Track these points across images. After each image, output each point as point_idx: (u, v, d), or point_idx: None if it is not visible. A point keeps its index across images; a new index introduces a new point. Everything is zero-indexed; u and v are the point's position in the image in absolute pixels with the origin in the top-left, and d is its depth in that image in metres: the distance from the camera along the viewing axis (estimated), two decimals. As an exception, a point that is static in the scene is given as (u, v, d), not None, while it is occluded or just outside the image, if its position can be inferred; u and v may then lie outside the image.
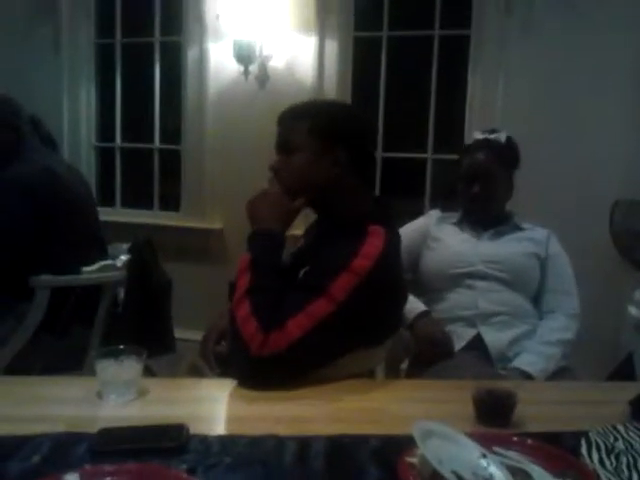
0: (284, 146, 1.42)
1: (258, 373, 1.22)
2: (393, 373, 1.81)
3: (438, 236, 2.03)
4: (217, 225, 3.72)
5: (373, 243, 1.31)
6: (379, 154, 3.51)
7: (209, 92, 3.69)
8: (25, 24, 3.94)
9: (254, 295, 1.27)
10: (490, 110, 3.18)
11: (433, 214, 2.16)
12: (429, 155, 3.58)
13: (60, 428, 1.02)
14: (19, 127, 2.27)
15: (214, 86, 3.68)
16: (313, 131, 1.38)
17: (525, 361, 1.78)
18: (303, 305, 1.24)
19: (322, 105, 1.54)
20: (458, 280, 1.93)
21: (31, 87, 3.65)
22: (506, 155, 2.01)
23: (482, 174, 1.97)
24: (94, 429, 1.00)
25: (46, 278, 2.04)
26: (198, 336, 1.63)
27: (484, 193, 1.97)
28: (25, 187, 2.11)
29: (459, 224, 2.07)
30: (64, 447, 0.96)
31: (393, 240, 1.39)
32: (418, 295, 1.98)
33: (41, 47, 3.95)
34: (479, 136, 2.04)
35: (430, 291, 2.00)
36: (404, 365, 1.99)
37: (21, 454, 0.94)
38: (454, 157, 2.20)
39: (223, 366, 1.46)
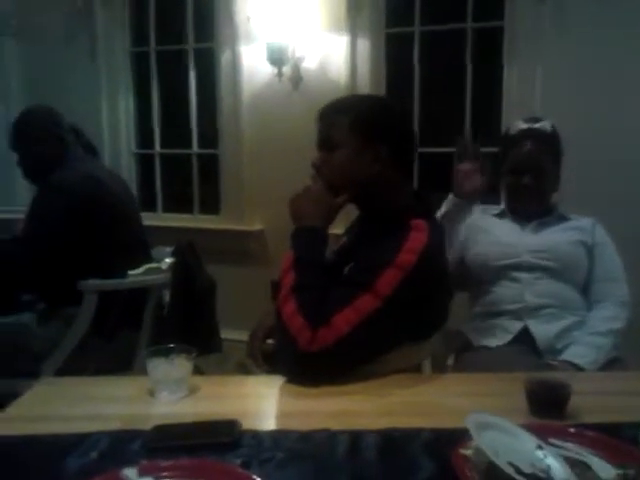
0: (325, 142, 1.42)
1: (306, 369, 1.22)
2: (439, 368, 1.79)
3: (481, 228, 2.00)
4: (257, 226, 3.75)
5: (417, 237, 1.30)
6: (415, 149, 3.48)
7: (244, 95, 3.72)
8: (61, 37, 4.03)
9: (300, 292, 1.28)
10: (528, 100, 3.12)
11: (477, 206, 2.12)
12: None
13: (115, 426, 1.04)
14: (62, 137, 2.33)
15: (248, 89, 3.71)
16: (354, 126, 1.37)
17: (575, 353, 1.73)
18: (349, 301, 1.24)
19: (362, 100, 1.54)
20: (504, 272, 1.89)
21: (70, 98, 3.72)
22: (553, 144, 1.95)
23: (531, 165, 1.90)
24: (148, 426, 1.02)
25: (94, 282, 2.08)
26: (243, 336, 1.64)
27: (533, 185, 1.91)
28: (70, 194, 2.16)
29: (502, 216, 2.03)
30: (120, 444, 0.98)
31: (436, 233, 1.38)
32: (463, 289, 1.95)
33: (77, 59, 4.04)
34: (523, 126, 1.97)
35: (475, 285, 1.97)
36: (450, 361, 1.97)
37: (79, 451, 0.96)
38: (492, 150, 2.15)
39: (270, 364, 1.47)
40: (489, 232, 1.98)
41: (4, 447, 1.00)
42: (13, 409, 1.16)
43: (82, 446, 0.97)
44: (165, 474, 0.86)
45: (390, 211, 1.39)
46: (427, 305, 1.32)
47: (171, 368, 1.16)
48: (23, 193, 3.89)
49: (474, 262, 1.96)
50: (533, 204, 1.96)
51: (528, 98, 3.13)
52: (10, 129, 2.34)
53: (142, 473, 0.81)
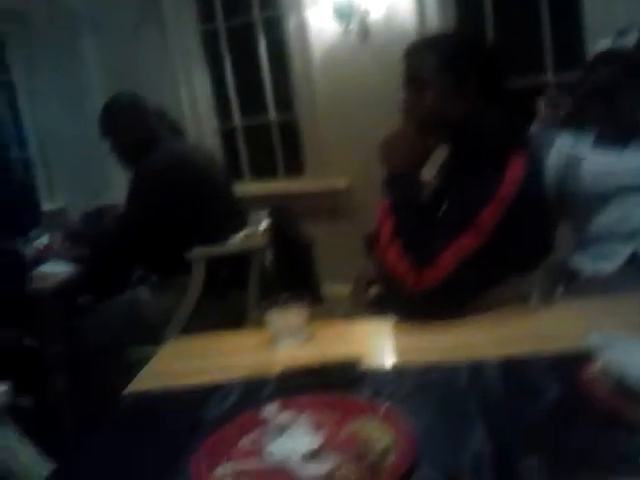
0: (413, 82, 1.39)
1: (416, 310, 1.25)
2: (546, 301, 1.76)
3: (578, 156, 1.93)
4: (342, 184, 3.78)
5: (516, 168, 1.28)
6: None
7: (314, 57, 3.73)
8: (132, 25, 4.16)
9: (401, 236, 1.29)
10: (610, 16, 2.92)
11: (564, 136, 2.04)
12: (549, 78, 3.38)
13: (245, 374, 1.11)
14: (148, 120, 2.42)
15: (318, 50, 3.71)
16: (443, 63, 1.35)
17: None
18: (452, 240, 1.24)
19: (449, 36, 1.50)
20: (607, 197, 1.82)
21: (148, 83, 3.84)
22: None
23: (614, 89, 1.81)
24: (275, 372, 1.08)
25: (199, 251, 2.20)
26: (343, 292, 1.68)
27: (625, 105, 1.82)
28: (165, 173, 2.27)
29: (598, 140, 1.94)
30: (252, 390, 1.05)
31: (535, 162, 1.35)
32: (565, 220, 1.90)
33: (150, 44, 4.15)
34: (603, 46, 1.88)
35: (577, 214, 1.91)
36: (557, 294, 1.93)
37: (216, 399, 1.04)
38: (577, 76, 2.05)
39: (376, 310, 1.50)
40: (586, 160, 1.91)
41: (146, 401, 1.10)
42: (149, 368, 1.26)
43: (218, 395, 1.05)
44: (301, 410, 0.91)
45: (485, 146, 1.37)
46: (531, 236, 1.31)
47: (288, 317, 1.22)
48: (120, 180, 4.10)
49: (575, 190, 1.89)
50: (629, 126, 1.86)
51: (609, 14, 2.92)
52: (99, 118, 2.46)
53: (280, 411, 0.86)
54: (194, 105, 4.20)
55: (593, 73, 1.87)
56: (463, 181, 1.36)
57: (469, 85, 1.35)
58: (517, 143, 1.36)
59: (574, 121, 1.82)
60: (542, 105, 1.75)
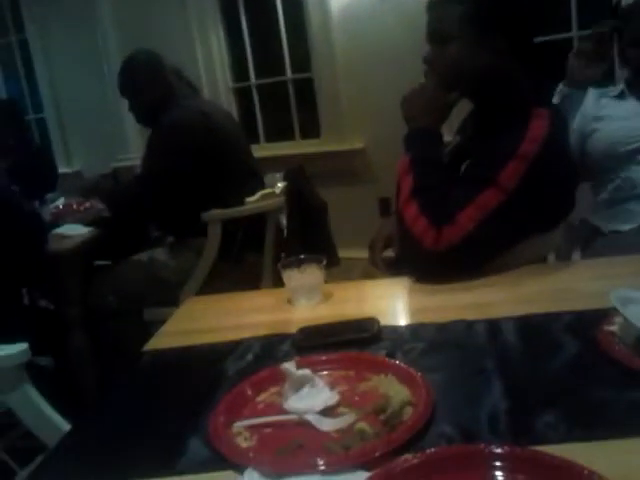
0: (436, 35, 1.35)
1: (434, 269, 1.23)
2: (566, 259, 1.75)
3: (600, 114, 1.88)
4: (358, 145, 3.74)
5: (539, 125, 1.25)
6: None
7: (332, 13, 3.65)
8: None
9: (421, 193, 1.28)
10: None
11: (590, 92, 1.99)
12: (574, 33, 3.28)
13: (262, 332, 1.12)
14: (166, 77, 2.41)
15: (336, 6, 3.63)
16: (467, 16, 1.30)
17: None
18: (473, 197, 1.22)
19: None
20: (630, 157, 1.78)
21: (164, 42, 3.81)
22: None
23: None
24: (293, 330, 1.08)
25: (216, 212, 2.20)
26: (358, 253, 1.67)
27: None
28: (184, 130, 2.26)
29: (622, 96, 1.89)
30: (271, 346, 1.06)
31: (558, 120, 1.31)
32: (584, 179, 1.87)
33: (165, 3, 4.11)
34: None
35: (599, 173, 1.88)
36: (576, 254, 1.92)
37: (235, 355, 1.04)
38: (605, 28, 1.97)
39: (393, 270, 1.50)
40: (610, 117, 1.86)
41: (167, 358, 1.11)
42: (168, 326, 1.27)
43: (237, 351, 1.05)
44: (319, 367, 0.92)
45: (508, 103, 1.33)
46: (553, 194, 1.28)
47: (304, 276, 1.22)
48: (135, 142, 4.10)
49: (597, 149, 1.86)
50: None
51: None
52: (117, 77, 2.45)
53: (297, 367, 0.87)
54: (209, 64, 4.17)
55: (631, 22, 1.79)
56: (484, 137, 1.34)
57: (494, 40, 1.30)
58: (541, 101, 1.33)
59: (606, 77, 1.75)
60: (573, 60, 1.70)
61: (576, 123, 1.85)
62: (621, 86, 1.91)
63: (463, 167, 1.34)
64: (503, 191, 1.21)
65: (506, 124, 1.28)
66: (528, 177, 1.21)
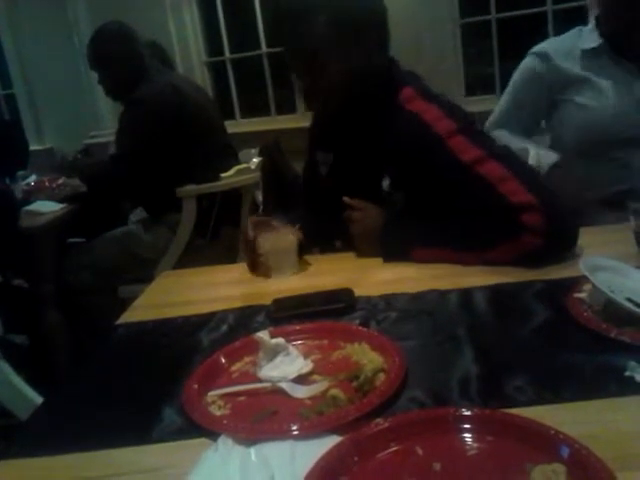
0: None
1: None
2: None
3: (579, 76, 1.61)
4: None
5: (423, 110, 1.22)
6: (493, 17, 3.29)
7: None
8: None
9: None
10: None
11: (548, 47, 1.69)
12: (549, 7, 3.29)
13: (237, 304, 1.12)
14: (138, 50, 2.36)
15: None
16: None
17: None
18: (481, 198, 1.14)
19: None
20: (610, 149, 1.57)
21: (136, 16, 3.73)
22: None
23: None
24: (267, 301, 1.09)
25: (190, 188, 2.18)
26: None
27: None
28: (155, 106, 2.22)
29: (599, 54, 1.60)
30: (246, 317, 1.06)
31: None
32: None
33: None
34: None
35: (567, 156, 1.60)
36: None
37: (210, 327, 1.05)
38: (580, 4, 1.89)
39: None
40: (591, 82, 1.59)
41: (141, 330, 1.10)
42: (142, 300, 1.27)
43: (211, 323, 1.06)
44: (293, 337, 0.92)
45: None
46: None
47: (278, 240, 1.22)
48: (108, 118, 4.03)
49: (570, 131, 1.64)
50: None
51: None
52: (87, 47, 2.39)
53: (271, 336, 0.87)
54: (183, 38, 4.11)
55: None
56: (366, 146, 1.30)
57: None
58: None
59: None
60: None
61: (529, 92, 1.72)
62: (599, 39, 1.61)
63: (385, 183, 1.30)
64: (487, 156, 1.15)
65: (382, 124, 1.25)
66: (473, 138, 1.19)
